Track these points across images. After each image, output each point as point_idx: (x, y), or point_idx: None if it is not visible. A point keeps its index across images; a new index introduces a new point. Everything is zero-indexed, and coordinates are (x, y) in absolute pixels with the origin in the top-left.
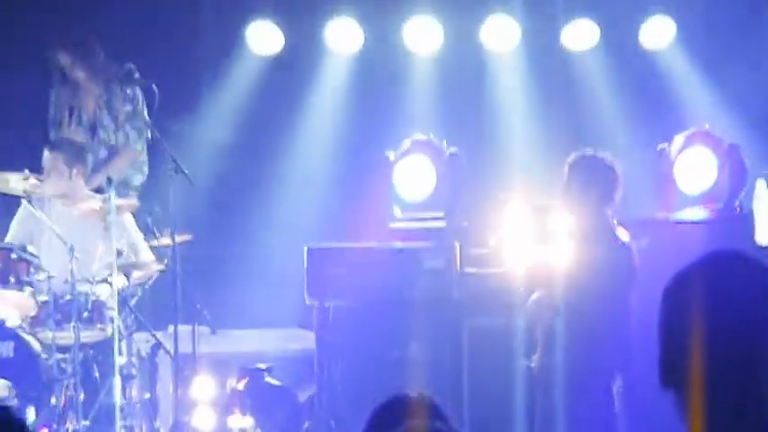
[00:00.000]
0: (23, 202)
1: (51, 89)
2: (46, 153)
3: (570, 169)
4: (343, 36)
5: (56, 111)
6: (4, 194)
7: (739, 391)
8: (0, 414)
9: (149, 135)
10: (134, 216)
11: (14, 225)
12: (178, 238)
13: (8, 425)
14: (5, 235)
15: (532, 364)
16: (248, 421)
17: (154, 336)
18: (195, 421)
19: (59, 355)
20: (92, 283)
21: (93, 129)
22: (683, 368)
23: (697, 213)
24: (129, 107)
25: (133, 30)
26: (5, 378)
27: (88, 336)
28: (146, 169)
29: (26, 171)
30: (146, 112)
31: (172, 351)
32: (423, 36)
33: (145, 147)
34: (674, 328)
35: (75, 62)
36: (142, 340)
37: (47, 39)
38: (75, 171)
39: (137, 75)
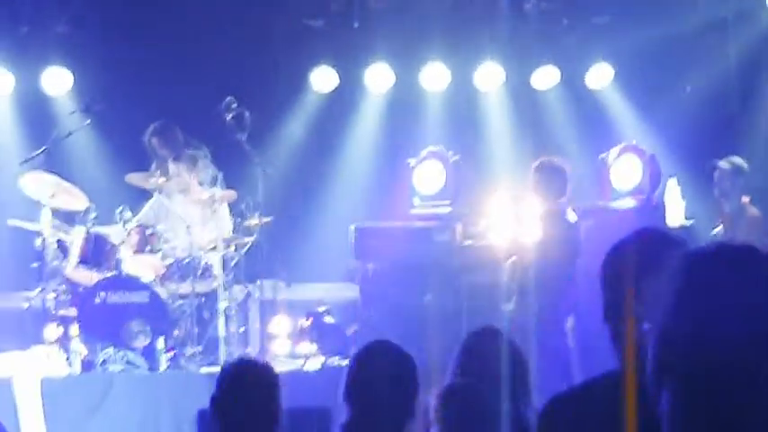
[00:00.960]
0: (155, 194)
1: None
2: (170, 164)
3: (535, 170)
4: (378, 78)
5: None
6: (143, 189)
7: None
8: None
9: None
10: (229, 207)
11: (148, 210)
12: (264, 219)
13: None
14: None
15: (510, 308)
16: (312, 348)
17: (246, 287)
18: (275, 348)
19: (180, 301)
20: (203, 251)
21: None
22: (617, 307)
23: (626, 203)
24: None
25: (230, 72)
26: (142, 317)
27: (201, 287)
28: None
29: (158, 173)
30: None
31: (259, 298)
32: (435, 78)
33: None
34: (613, 282)
35: (159, 143)
36: (238, 290)
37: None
38: (192, 175)
39: (234, 104)
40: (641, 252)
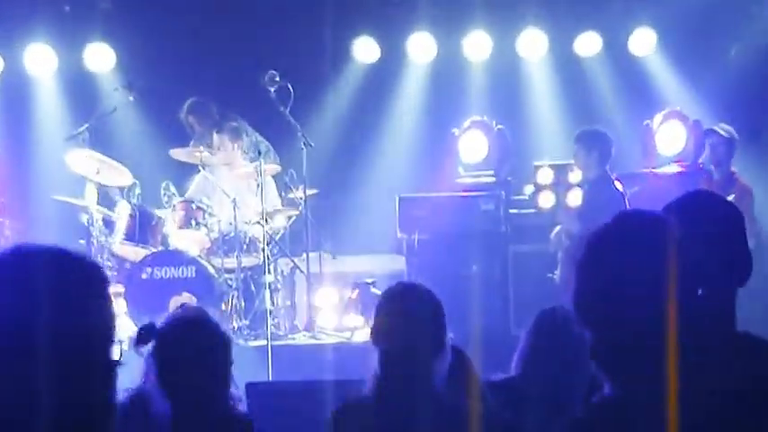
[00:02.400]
0: (200, 168)
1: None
2: (215, 136)
3: (578, 139)
4: (420, 48)
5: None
6: (188, 163)
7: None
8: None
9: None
10: (275, 180)
11: (193, 185)
12: (308, 192)
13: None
14: (187, 191)
15: (555, 277)
16: (359, 320)
17: (292, 260)
18: (321, 321)
19: (226, 275)
20: (248, 224)
21: None
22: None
23: (671, 168)
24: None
25: (271, 45)
26: (190, 292)
27: (246, 261)
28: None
29: (201, 147)
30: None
31: (305, 271)
32: (477, 47)
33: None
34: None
35: (196, 119)
36: (284, 263)
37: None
38: (236, 145)
39: (277, 78)
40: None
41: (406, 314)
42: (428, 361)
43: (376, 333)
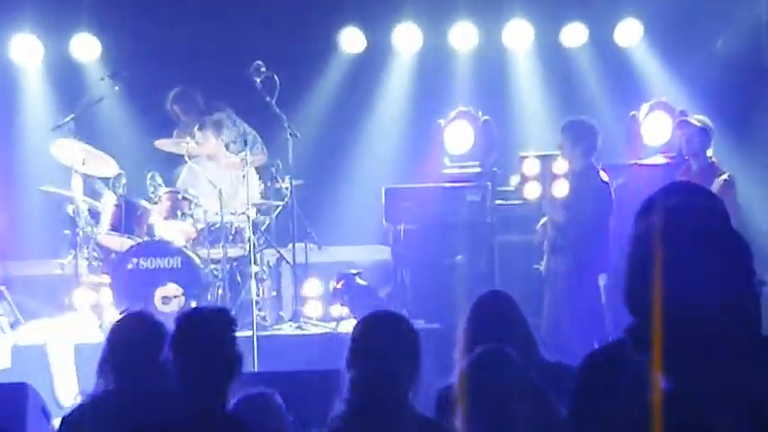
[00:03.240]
0: (186, 159)
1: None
2: (196, 132)
3: (564, 129)
4: (406, 38)
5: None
6: (174, 153)
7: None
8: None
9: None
10: (258, 171)
11: (181, 176)
12: (294, 182)
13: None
14: (174, 183)
15: (541, 268)
16: (345, 310)
17: (278, 251)
18: (308, 311)
19: (212, 266)
20: (234, 215)
21: None
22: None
23: (658, 159)
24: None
25: (256, 36)
26: (175, 282)
27: (232, 252)
28: (262, 147)
29: (188, 138)
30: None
31: (291, 261)
32: (463, 37)
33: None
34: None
35: (181, 109)
36: (270, 254)
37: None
38: (219, 139)
39: (263, 69)
40: (670, 208)
41: (382, 342)
42: (403, 390)
43: (351, 358)
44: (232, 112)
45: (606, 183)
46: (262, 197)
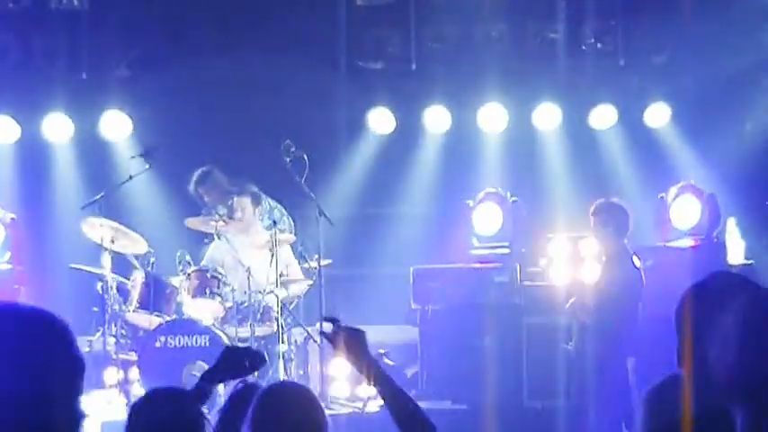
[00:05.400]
0: (215, 237)
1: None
2: (236, 199)
3: (595, 211)
4: (436, 119)
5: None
6: (202, 232)
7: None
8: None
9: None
10: (291, 247)
11: (208, 253)
12: (322, 262)
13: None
14: (202, 260)
15: (571, 349)
16: (371, 390)
17: (306, 330)
18: (334, 391)
19: (240, 344)
20: (262, 294)
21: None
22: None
23: (686, 242)
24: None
25: (288, 115)
26: (203, 360)
27: (260, 330)
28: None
29: (217, 216)
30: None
31: (318, 341)
32: (492, 119)
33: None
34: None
35: (204, 190)
36: (298, 333)
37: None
38: (257, 210)
39: (292, 148)
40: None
41: (283, 415)
42: None
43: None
44: (257, 189)
45: (638, 269)
46: (299, 273)
